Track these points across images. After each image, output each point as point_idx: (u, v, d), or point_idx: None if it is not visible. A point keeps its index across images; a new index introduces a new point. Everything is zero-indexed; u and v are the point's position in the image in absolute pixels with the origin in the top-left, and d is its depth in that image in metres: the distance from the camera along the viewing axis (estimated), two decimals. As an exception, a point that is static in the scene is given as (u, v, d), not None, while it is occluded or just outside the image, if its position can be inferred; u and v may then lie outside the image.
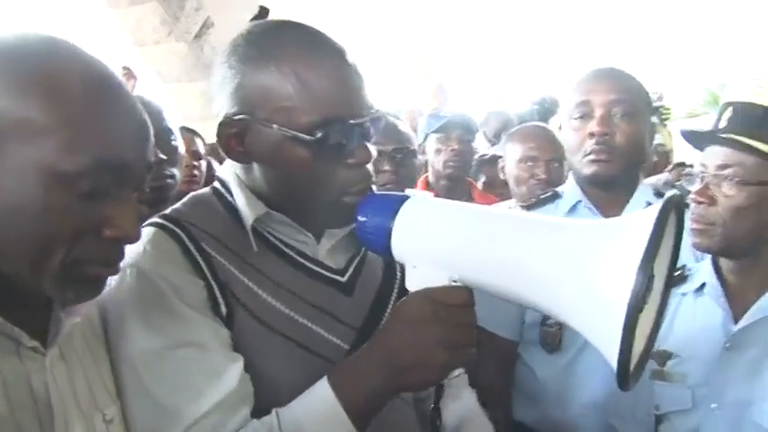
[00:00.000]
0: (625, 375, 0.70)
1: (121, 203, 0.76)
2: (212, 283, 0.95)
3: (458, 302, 0.85)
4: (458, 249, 0.85)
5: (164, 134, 1.70)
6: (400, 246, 0.88)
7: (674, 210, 0.78)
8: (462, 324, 0.86)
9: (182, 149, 1.81)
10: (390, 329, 0.89)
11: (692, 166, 1.42)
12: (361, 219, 0.91)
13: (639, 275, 0.67)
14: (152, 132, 0.81)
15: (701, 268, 1.41)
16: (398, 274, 1.12)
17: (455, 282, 0.85)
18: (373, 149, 0.97)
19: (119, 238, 0.76)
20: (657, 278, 0.79)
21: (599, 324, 0.72)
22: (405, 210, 0.88)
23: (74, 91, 0.72)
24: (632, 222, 0.73)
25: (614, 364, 0.69)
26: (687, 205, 1.55)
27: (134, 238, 0.78)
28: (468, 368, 0.87)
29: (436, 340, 0.84)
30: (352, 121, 0.92)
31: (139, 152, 0.78)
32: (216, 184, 1.06)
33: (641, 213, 0.73)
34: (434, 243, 0.86)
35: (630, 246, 0.69)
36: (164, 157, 1.65)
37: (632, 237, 0.70)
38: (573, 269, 0.74)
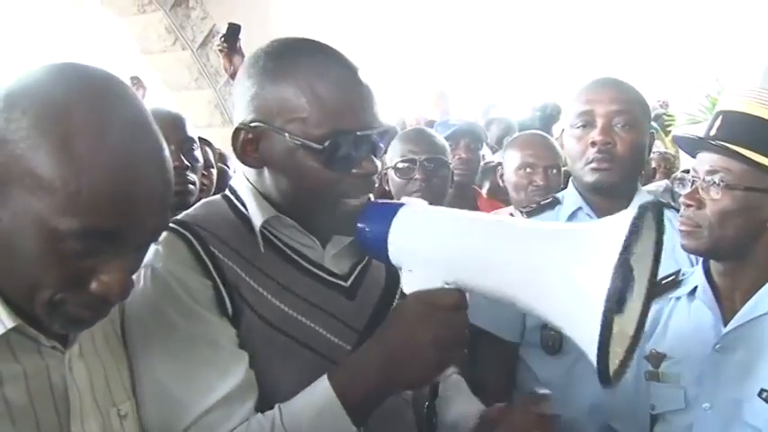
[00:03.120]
0: (605, 372, 0.74)
1: (113, 260, 0.77)
2: (219, 283, 0.99)
3: (450, 304, 0.89)
4: (450, 254, 0.89)
5: (187, 143, 1.79)
6: (396, 250, 0.92)
7: (654, 216, 0.82)
8: (454, 325, 0.90)
9: (201, 158, 1.90)
10: (387, 328, 0.93)
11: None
12: (360, 226, 0.95)
13: (614, 275, 0.71)
14: (169, 195, 0.80)
15: (693, 272, 1.44)
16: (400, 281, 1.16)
17: (448, 284, 0.89)
18: (379, 162, 1.03)
19: (103, 295, 0.78)
20: (639, 283, 0.83)
21: (580, 323, 0.75)
22: (400, 216, 0.93)
23: (83, 156, 0.72)
24: (609, 226, 0.77)
25: (594, 361, 0.73)
26: (668, 206, 1.60)
27: (119, 296, 0.79)
28: (463, 368, 0.92)
29: (429, 339, 0.88)
30: (359, 133, 0.98)
31: (142, 220, 0.78)
32: (227, 191, 1.11)
33: (617, 217, 0.77)
34: (428, 248, 0.91)
35: (607, 248, 0.72)
36: (187, 164, 1.74)
37: (609, 240, 0.73)
38: (554, 273, 0.78)
